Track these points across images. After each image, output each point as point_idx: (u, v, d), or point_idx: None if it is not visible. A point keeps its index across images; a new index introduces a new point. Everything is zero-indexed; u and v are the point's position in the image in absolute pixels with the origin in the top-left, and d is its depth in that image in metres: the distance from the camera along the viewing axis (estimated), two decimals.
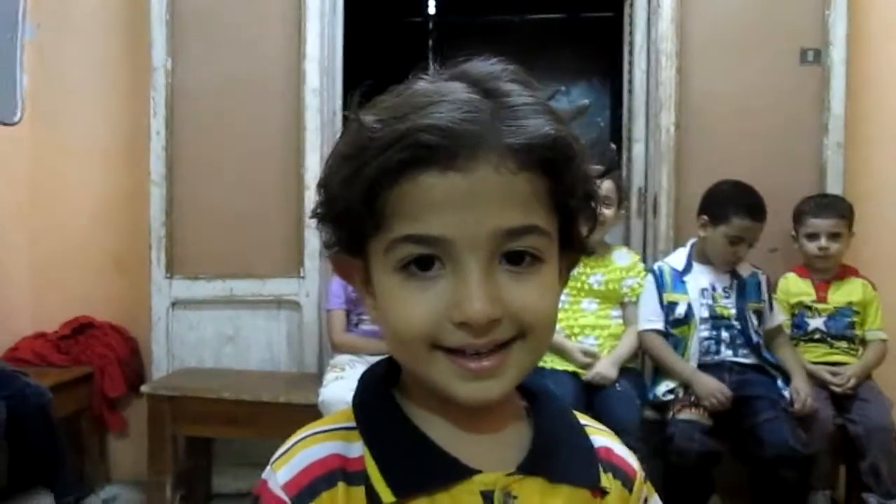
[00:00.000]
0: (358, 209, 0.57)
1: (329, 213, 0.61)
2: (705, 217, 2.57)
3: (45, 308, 3.19)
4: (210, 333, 3.02)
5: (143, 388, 2.76)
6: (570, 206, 0.60)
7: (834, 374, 2.54)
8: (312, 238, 2.95)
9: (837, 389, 2.51)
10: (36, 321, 3.17)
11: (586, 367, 2.53)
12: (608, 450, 0.69)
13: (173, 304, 3.00)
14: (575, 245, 0.63)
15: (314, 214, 0.63)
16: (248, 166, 2.99)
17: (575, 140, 0.58)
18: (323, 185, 0.61)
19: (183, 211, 2.99)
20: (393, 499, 0.59)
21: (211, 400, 2.65)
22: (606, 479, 0.66)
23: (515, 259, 0.57)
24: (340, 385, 2.51)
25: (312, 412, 2.45)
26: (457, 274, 0.56)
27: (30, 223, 3.22)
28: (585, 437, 0.68)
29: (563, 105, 0.61)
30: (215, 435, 2.92)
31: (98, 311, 3.16)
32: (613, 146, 2.91)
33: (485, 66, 0.59)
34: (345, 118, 0.59)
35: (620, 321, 2.68)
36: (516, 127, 0.56)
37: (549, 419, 0.66)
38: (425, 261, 0.57)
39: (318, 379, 2.69)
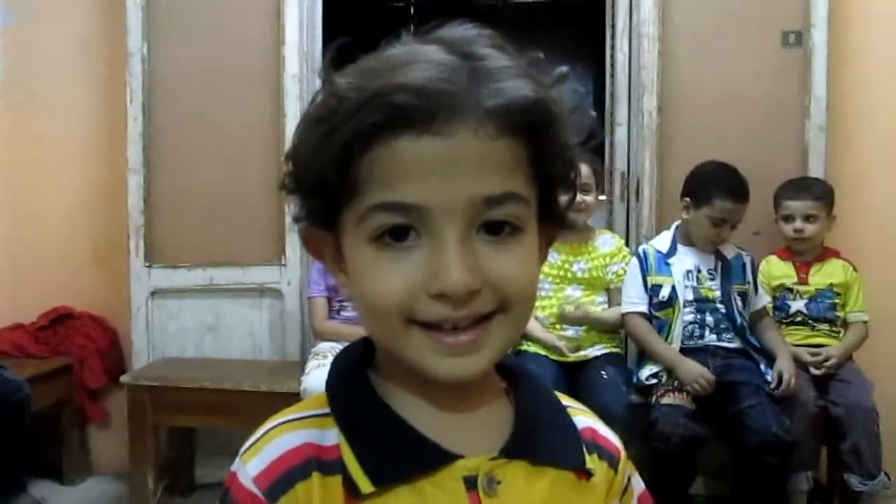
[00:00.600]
0: (329, 177, 0.54)
1: (299, 184, 0.58)
2: (688, 199, 2.56)
3: (24, 299, 3.15)
4: (191, 322, 2.99)
5: (124, 379, 2.72)
6: (550, 173, 0.58)
7: (814, 354, 2.55)
8: (294, 225, 2.91)
9: (817, 371, 2.52)
10: (14, 312, 3.13)
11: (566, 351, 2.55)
12: (593, 430, 0.68)
13: (153, 294, 2.96)
14: (554, 216, 0.61)
15: (282, 186, 0.60)
16: (227, 153, 2.95)
17: (555, 104, 0.56)
18: (292, 154, 0.59)
19: (162, 199, 2.96)
20: (372, 488, 0.57)
21: (192, 389, 2.63)
22: (592, 461, 0.65)
23: (494, 229, 0.55)
24: (323, 373, 2.47)
25: (295, 400, 2.38)
26: (433, 244, 0.54)
27: (6, 212, 3.17)
28: (568, 418, 0.66)
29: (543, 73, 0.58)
30: (197, 425, 2.90)
31: (77, 302, 3.12)
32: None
33: (460, 30, 0.57)
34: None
35: (606, 307, 2.68)
36: (495, 89, 0.53)
37: (531, 400, 0.64)
38: (400, 230, 0.54)
39: (300, 367, 2.67)
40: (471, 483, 0.58)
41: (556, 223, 0.62)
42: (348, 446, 0.59)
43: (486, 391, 0.63)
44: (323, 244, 0.61)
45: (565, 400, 0.69)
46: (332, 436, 0.60)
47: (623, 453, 0.69)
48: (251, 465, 0.59)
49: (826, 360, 2.52)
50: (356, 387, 0.62)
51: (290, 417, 0.62)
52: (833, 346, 2.58)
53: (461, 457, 0.59)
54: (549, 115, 0.55)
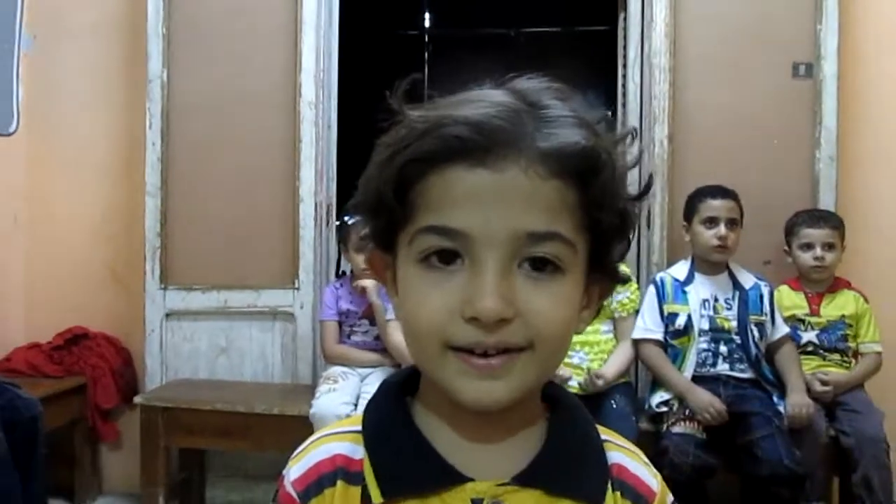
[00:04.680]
0: (388, 197, 0.58)
1: (364, 203, 0.62)
2: (685, 223, 2.67)
3: (39, 318, 3.19)
4: (204, 344, 3.02)
5: (137, 399, 2.75)
6: (601, 223, 0.59)
7: (823, 382, 2.54)
8: (307, 250, 2.95)
9: (821, 395, 2.51)
10: (30, 332, 3.17)
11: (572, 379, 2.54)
12: (620, 467, 0.67)
13: (167, 315, 2.99)
14: (606, 268, 0.62)
15: (351, 205, 0.65)
16: (243, 178, 3.00)
17: (608, 154, 0.58)
18: (363, 177, 0.62)
19: (178, 222, 3.00)
20: (381, 499, 0.60)
21: (204, 411, 2.64)
22: (613, 498, 0.65)
23: (537, 266, 0.57)
24: (333, 397, 2.51)
25: (306, 424, 2.44)
26: (474, 270, 0.56)
27: (25, 233, 3.22)
28: (599, 452, 0.67)
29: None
30: (208, 446, 2.91)
31: (92, 322, 3.16)
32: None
33: (533, 82, 0.60)
34: (388, 110, 0.60)
35: (611, 336, 2.68)
36: (549, 134, 0.56)
37: (565, 430, 0.65)
38: (446, 255, 0.57)
39: (312, 390, 2.68)
40: None
41: (606, 276, 0.63)
42: (368, 460, 0.63)
43: (519, 421, 0.64)
44: (384, 266, 0.64)
45: (606, 434, 0.69)
46: (362, 450, 0.64)
47: (659, 496, 0.68)
48: (293, 469, 0.65)
49: (831, 384, 2.52)
50: (389, 407, 0.65)
51: (333, 431, 0.67)
52: (839, 372, 2.58)
53: (472, 480, 0.61)
54: (599, 162, 0.58)
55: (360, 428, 0.65)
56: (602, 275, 0.63)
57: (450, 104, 0.58)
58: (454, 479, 0.61)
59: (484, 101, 0.57)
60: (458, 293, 0.56)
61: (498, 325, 0.56)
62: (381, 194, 0.58)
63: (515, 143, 0.55)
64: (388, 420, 0.64)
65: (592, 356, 2.61)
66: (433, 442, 0.62)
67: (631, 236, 0.64)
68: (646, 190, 0.64)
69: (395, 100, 0.59)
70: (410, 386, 0.67)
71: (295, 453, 0.66)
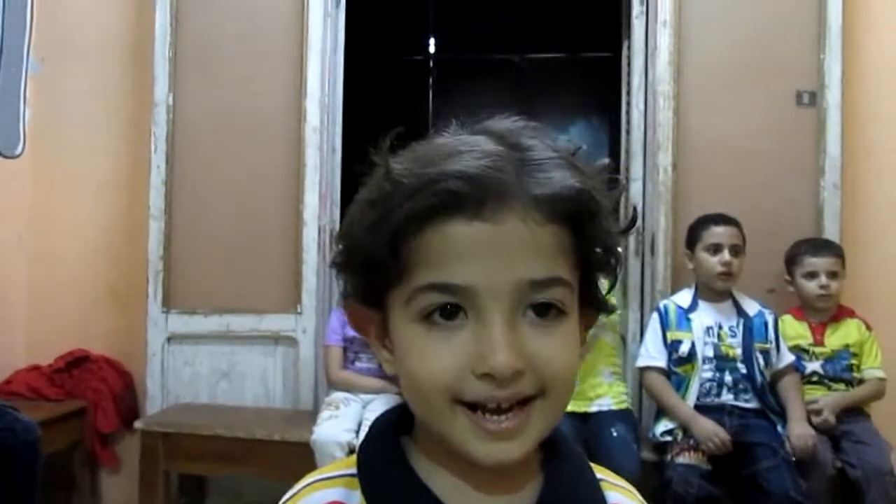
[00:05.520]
0: (381, 257, 0.56)
1: (350, 262, 0.60)
2: (687, 251, 2.67)
3: (41, 341, 3.18)
4: (206, 369, 3.01)
5: (137, 424, 2.73)
6: (591, 260, 0.59)
7: (816, 411, 2.50)
8: (310, 274, 2.95)
9: (822, 423, 2.48)
10: (31, 354, 3.16)
11: None
12: None
13: (169, 339, 2.98)
14: (594, 301, 0.62)
15: (333, 264, 0.62)
16: (247, 202, 3.00)
17: (600, 195, 0.58)
18: (343, 234, 0.61)
19: (181, 245, 3.00)
20: None
21: (205, 437, 2.63)
22: None
23: (540, 311, 0.56)
24: (334, 424, 2.49)
25: (307, 450, 2.42)
26: (480, 324, 0.55)
27: (28, 255, 3.22)
28: (598, 493, 0.66)
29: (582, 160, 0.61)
30: (209, 472, 2.89)
31: (94, 345, 3.15)
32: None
33: (507, 122, 0.60)
34: (369, 164, 0.58)
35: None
36: (543, 178, 0.56)
37: (561, 473, 0.64)
38: (448, 310, 0.56)
39: (313, 416, 2.67)
40: None
41: (594, 307, 0.63)
42: None
43: (521, 469, 0.63)
44: (369, 321, 0.63)
45: (601, 472, 0.68)
46: (357, 496, 0.62)
47: None
48: None
49: (822, 409, 2.49)
50: (385, 452, 0.63)
51: (325, 476, 0.64)
52: (830, 395, 2.55)
53: None
54: (594, 204, 0.58)
55: (353, 471, 0.63)
56: (589, 307, 0.63)
57: (434, 156, 0.56)
58: None
59: (470, 150, 0.56)
60: (465, 348, 0.55)
61: (511, 378, 0.55)
62: (374, 254, 0.57)
63: (510, 192, 0.55)
64: (386, 466, 0.62)
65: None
66: (432, 487, 0.61)
67: (618, 269, 0.63)
68: (631, 224, 0.64)
69: (381, 156, 0.57)
70: (404, 423, 0.65)
71: (285, 498, 0.63)
